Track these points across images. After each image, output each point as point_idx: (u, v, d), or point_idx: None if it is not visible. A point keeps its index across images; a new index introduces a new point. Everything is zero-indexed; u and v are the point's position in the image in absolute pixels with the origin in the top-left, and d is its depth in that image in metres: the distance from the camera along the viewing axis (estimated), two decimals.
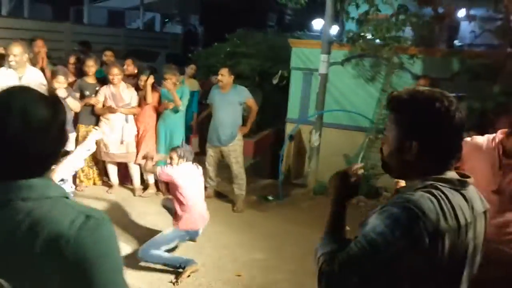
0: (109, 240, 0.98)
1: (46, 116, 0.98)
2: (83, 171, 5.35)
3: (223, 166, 5.48)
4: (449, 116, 1.23)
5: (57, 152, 1.04)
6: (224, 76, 5.00)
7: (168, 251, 3.76)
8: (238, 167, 5.14)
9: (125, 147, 5.16)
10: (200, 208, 3.88)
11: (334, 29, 9.34)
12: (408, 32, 5.56)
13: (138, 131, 5.27)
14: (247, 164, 6.33)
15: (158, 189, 5.45)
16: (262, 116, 7.73)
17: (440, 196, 1.20)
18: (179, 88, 5.25)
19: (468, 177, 1.31)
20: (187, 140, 5.70)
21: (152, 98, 5.21)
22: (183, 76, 5.86)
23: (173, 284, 3.52)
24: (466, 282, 1.31)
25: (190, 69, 5.93)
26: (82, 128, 5.24)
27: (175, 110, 5.17)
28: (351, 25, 6.06)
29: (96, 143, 5.13)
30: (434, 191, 1.21)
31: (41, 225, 0.93)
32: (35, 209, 0.94)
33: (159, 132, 5.27)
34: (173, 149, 3.92)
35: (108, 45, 8.03)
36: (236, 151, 5.10)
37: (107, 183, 5.51)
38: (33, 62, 4.87)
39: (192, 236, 3.90)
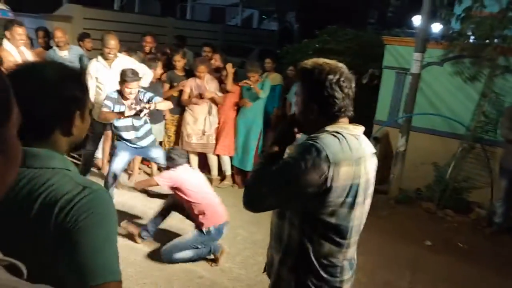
0: (103, 211, 0.99)
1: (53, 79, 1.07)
2: None
3: None
4: (339, 86, 1.56)
5: (60, 119, 1.08)
6: None
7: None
8: None
9: (206, 138, 5.30)
10: (214, 203, 3.67)
11: (437, 27, 8.67)
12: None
13: (218, 122, 5.38)
14: None
15: (234, 181, 5.54)
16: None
17: (339, 137, 1.54)
18: (261, 82, 5.25)
19: (360, 126, 1.64)
20: (265, 134, 5.67)
21: (234, 90, 5.29)
22: (267, 73, 5.83)
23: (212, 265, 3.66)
24: (362, 207, 1.64)
25: (266, 63, 5.91)
26: (169, 117, 5.52)
27: (255, 98, 5.17)
28: (454, 23, 5.54)
29: (180, 133, 5.41)
30: (335, 134, 1.56)
31: (39, 192, 0.97)
32: (37, 177, 0.99)
33: (238, 125, 5.33)
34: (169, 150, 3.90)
35: (207, 40, 8.37)
36: None
37: None
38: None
39: (214, 236, 3.62)
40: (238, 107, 5.35)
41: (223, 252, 3.68)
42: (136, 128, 4.31)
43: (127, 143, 4.33)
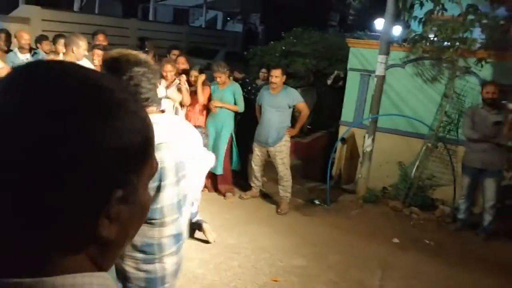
0: None
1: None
2: None
3: (270, 167, 5.37)
4: (146, 77, 1.66)
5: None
6: (278, 77, 4.87)
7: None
8: (284, 168, 5.01)
9: None
10: None
11: (398, 30, 8.91)
12: (476, 34, 5.12)
13: None
14: (297, 166, 6.19)
15: (204, 185, 5.47)
16: (315, 117, 7.56)
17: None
18: (230, 85, 5.21)
19: (164, 113, 1.83)
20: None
21: (203, 93, 5.22)
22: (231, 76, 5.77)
23: None
24: (173, 188, 1.74)
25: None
26: None
27: (225, 101, 5.14)
28: (416, 26, 5.71)
29: None
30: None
31: None
32: None
33: (208, 128, 5.26)
34: None
35: (174, 43, 8.22)
36: (282, 152, 4.97)
37: None
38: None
39: None
40: (208, 111, 5.28)
41: None
42: None
43: None
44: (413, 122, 5.73)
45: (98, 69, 4.85)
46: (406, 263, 4.18)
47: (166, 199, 1.74)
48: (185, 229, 1.95)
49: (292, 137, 5.19)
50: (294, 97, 4.97)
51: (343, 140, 6.27)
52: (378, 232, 4.79)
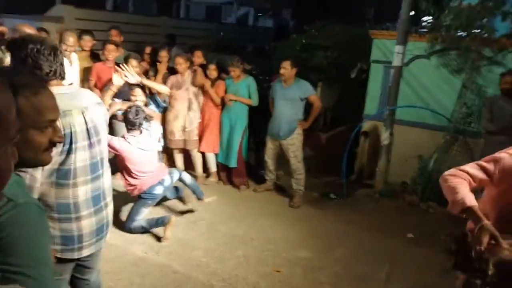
0: (26, 228, 0.96)
1: None
2: None
3: (285, 160, 5.36)
4: (41, 54, 1.79)
5: None
6: (286, 69, 4.85)
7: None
8: (296, 162, 5.00)
9: (187, 134, 5.31)
10: (147, 173, 3.95)
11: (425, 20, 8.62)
12: (499, 23, 4.87)
13: (203, 119, 5.38)
14: (314, 159, 6.15)
15: (219, 178, 5.55)
16: (338, 111, 7.45)
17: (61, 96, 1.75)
18: (245, 79, 5.24)
19: (68, 86, 1.93)
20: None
21: (218, 88, 5.29)
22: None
23: (160, 241, 3.92)
24: (85, 151, 1.91)
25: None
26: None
27: (240, 95, 5.19)
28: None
29: (164, 130, 5.40)
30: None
31: None
32: None
33: (223, 121, 5.32)
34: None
35: (201, 39, 8.34)
36: (294, 145, 4.96)
37: None
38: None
39: (152, 197, 3.99)
40: (223, 104, 5.33)
41: (171, 222, 3.93)
42: None
43: None
44: (437, 114, 5.53)
45: (111, 64, 5.03)
46: (417, 257, 4.08)
47: (78, 161, 1.90)
48: (108, 192, 2.11)
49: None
50: (306, 90, 4.94)
51: (366, 133, 6.15)
52: (392, 226, 4.69)
